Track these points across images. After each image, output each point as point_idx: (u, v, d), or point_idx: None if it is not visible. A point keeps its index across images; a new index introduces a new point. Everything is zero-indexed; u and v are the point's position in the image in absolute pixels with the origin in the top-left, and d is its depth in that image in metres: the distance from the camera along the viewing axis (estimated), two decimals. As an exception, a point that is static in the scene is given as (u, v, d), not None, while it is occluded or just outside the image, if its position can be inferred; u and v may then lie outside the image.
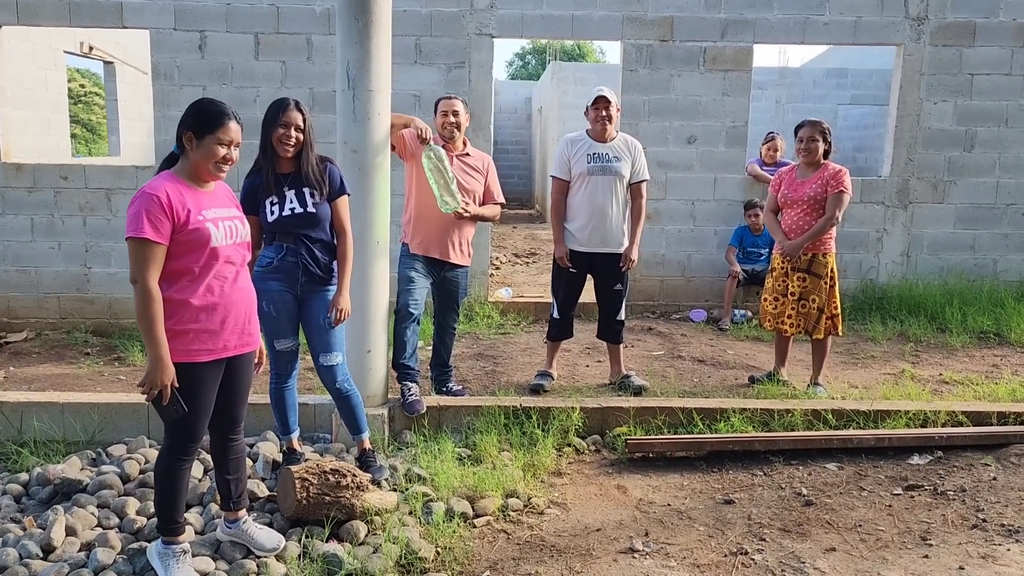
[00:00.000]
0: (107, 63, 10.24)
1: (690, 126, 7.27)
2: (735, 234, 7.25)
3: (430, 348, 5.03)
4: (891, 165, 7.35)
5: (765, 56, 65.16)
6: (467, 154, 4.67)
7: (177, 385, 2.72)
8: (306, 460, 3.78)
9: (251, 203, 3.51)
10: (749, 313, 7.19)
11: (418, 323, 4.57)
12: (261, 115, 3.54)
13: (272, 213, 3.48)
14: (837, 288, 4.93)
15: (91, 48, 9.32)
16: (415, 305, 4.52)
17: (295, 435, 3.80)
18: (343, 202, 3.61)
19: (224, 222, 2.82)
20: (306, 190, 3.50)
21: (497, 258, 11.66)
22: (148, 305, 2.64)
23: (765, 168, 7.47)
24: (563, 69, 15.29)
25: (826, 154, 4.93)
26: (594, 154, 4.87)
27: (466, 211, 4.51)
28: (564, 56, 36.41)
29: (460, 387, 4.98)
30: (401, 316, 4.51)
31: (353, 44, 4.02)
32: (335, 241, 3.62)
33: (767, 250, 7.25)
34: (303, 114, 3.45)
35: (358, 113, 4.03)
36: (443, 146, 4.52)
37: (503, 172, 19.51)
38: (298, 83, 6.98)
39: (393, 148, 4.44)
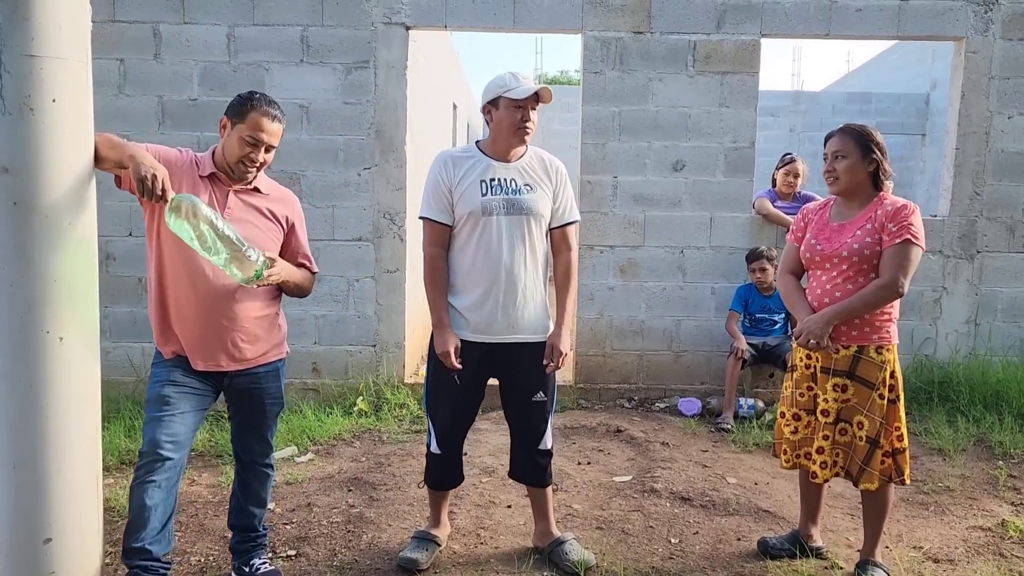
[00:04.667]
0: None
1: (676, 148, 5.37)
2: (737, 295, 5.29)
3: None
4: (951, 201, 5.41)
5: (777, 78, 61.71)
6: (256, 189, 2.77)
7: None
8: None
9: None
10: (761, 403, 5.20)
11: (177, 474, 2.62)
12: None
13: None
14: (902, 405, 2.95)
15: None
16: (171, 445, 2.56)
17: None
18: None
19: None
20: None
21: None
22: None
23: (780, 205, 5.54)
24: (547, 93, 13.50)
25: (876, 178, 3.00)
26: (493, 181, 2.96)
27: (273, 273, 2.63)
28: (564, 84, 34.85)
29: (274, 568, 3.00)
30: (144, 465, 2.54)
31: (-2, -30, 2.16)
32: None
33: (782, 316, 5.29)
34: None
35: (9, 100, 2.14)
36: (211, 176, 2.65)
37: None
38: (141, 88, 5.14)
39: (119, 183, 2.57)
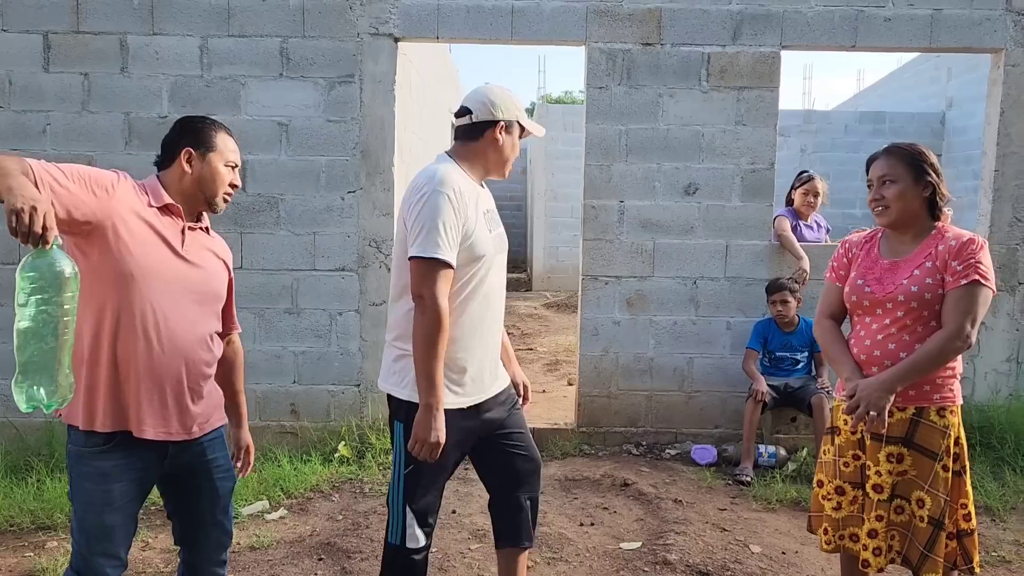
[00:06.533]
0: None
1: (688, 169, 4.93)
2: (756, 331, 4.82)
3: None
4: (990, 228, 4.94)
5: (787, 97, 59.60)
6: (205, 229, 2.30)
7: None
8: None
9: None
10: (782, 451, 4.72)
11: None
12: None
13: None
14: (968, 478, 2.48)
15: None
16: (118, 567, 2.10)
17: None
18: None
19: None
20: None
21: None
22: None
23: (801, 228, 5.08)
24: (550, 112, 13.11)
25: (932, 206, 2.54)
26: (488, 212, 2.45)
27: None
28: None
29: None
30: None
31: None
32: None
33: (804, 354, 4.82)
34: None
35: None
36: (164, 208, 2.18)
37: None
38: (107, 104, 4.72)
39: None
